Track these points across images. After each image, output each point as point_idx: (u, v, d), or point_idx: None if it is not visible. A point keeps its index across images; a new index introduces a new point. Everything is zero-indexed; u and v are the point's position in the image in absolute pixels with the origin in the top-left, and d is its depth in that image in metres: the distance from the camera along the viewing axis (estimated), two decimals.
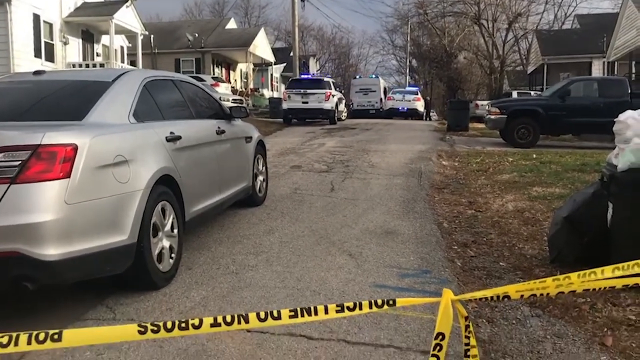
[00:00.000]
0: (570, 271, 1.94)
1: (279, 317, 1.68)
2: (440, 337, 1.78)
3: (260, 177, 6.99)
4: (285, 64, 42.99)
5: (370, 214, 6.48)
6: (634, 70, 23.10)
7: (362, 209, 6.74)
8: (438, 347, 1.79)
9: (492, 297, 1.85)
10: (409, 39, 50.62)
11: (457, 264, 4.74)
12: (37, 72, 4.81)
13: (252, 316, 1.66)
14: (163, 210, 4.15)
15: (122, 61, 25.60)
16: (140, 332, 1.59)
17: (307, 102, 21.37)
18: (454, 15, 39.49)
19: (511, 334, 3.40)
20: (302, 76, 26.60)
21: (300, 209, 6.68)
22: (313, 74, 33.82)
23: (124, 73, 4.68)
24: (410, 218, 6.31)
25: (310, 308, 1.71)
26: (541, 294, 1.85)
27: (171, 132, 4.51)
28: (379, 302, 1.76)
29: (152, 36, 30.26)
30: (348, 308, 1.73)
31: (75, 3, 22.29)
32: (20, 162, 3.18)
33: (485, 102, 25.63)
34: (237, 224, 5.96)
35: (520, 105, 15.44)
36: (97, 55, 24.30)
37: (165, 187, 4.20)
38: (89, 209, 3.43)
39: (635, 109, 4.16)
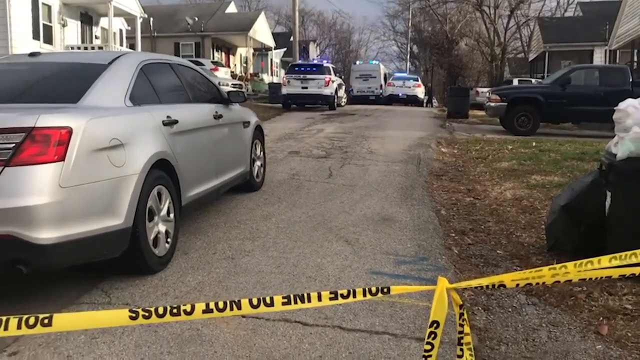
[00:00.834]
0: (567, 260, 1.92)
1: (271, 304, 1.66)
2: (435, 325, 1.78)
3: (258, 163, 6.96)
4: (285, 49, 42.76)
5: (368, 200, 6.46)
6: (635, 59, 22.92)
7: (360, 195, 6.72)
8: (433, 335, 1.79)
9: (487, 286, 1.84)
10: (410, 24, 50.31)
11: (454, 252, 4.73)
12: (32, 54, 4.74)
13: (244, 302, 1.64)
14: (159, 195, 4.12)
15: (121, 44, 25.44)
16: (131, 318, 1.57)
17: (306, 88, 21.27)
18: (456, 2, 39.15)
19: (507, 321, 3.40)
20: (302, 61, 26.45)
21: (297, 195, 6.66)
22: (313, 59, 33.57)
23: (120, 56, 4.62)
24: (408, 205, 6.29)
25: (303, 295, 1.69)
26: (537, 283, 1.84)
27: (168, 116, 4.46)
28: (373, 289, 1.75)
29: (151, 19, 30.08)
30: (342, 296, 1.71)
31: None
32: (14, 144, 3.14)
33: (485, 90, 25.53)
34: (234, 209, 5.94)
35: (520, 93, 15.39)
36: (96, 37, 24.12)
37: (162, 171, 4.17)
38: (84, 192, 3.40)
39: (636, 98, 4.12)
